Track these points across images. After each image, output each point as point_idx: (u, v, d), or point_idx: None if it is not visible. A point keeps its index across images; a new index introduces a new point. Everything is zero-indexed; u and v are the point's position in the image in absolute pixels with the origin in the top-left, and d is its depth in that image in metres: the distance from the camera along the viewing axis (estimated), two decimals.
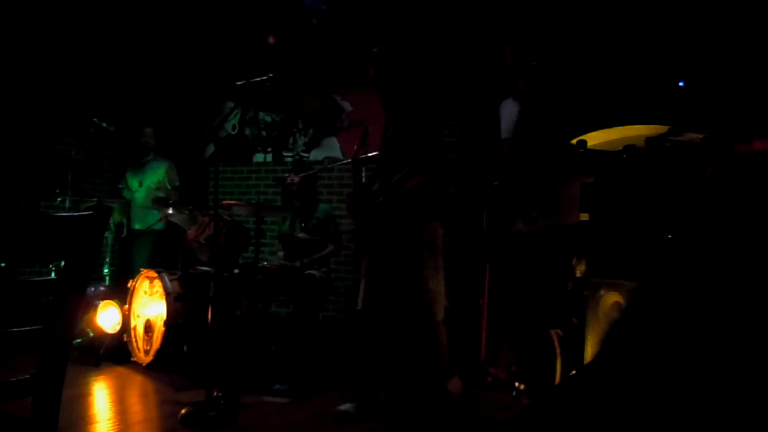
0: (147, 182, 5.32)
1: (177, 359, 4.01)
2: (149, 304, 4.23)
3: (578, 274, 3.60)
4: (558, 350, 2.84)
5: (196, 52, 6.10)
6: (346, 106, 5.71)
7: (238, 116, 5.25)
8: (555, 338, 2.84)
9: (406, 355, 3.16)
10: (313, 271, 4.31)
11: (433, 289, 3.06)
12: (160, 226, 5.05)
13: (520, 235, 2.84)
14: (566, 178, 2.77)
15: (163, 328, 4.00)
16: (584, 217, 3.57)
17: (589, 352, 3.32)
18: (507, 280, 2.91)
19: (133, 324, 4.29)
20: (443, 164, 3.33)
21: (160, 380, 3.83)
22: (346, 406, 3.12)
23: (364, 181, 3.33)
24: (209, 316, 3.10)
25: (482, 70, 4.67)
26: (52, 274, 4.54)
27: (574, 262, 2.97)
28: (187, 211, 4.38)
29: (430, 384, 3.12)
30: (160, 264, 4.65)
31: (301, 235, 4.28)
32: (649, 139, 3.26)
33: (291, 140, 5.96)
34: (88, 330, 4.34)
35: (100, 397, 3.64)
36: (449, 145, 5.07)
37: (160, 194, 5.14)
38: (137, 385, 3.84)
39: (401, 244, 3.05)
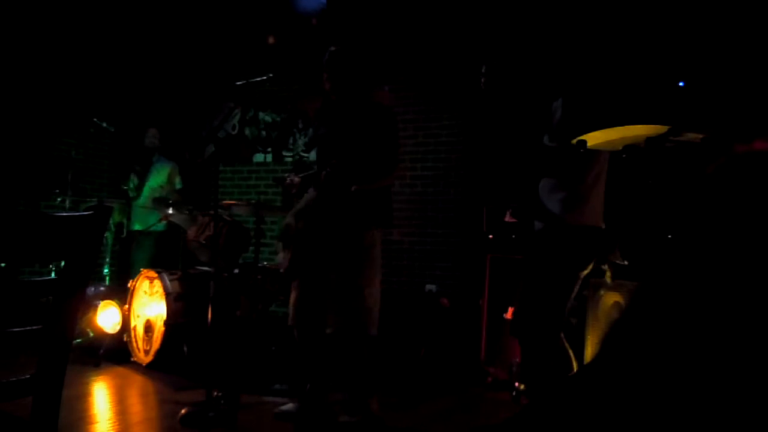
0: (151, 183, 5.31)
1: (177, 359, 4.01)
2: (149, 304, 4.23)
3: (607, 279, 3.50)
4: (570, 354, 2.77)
5: (196, 52, 6.10)
6: None
7: (238, 116, 5.25)
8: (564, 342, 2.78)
9: (339, 369, 3.03)
10: None
11: (369, 300, 2.91)
12: (161, 226, 5.04)
13: (535, 234, 2.90)
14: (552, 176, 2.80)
15: (163, 328, 4.00)
16: None
17: (589, 352, 3.32)
18: (529, 279, 2.89)
19: (133, 324, 4.29)
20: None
21: (160, 380, 3.83)
22: (287, 406, 3.11)
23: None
24: (209, 316, 3.10)
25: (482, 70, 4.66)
26: (52, 274, 4.54)
27: (590, 268, 2.85)
28: (187, 211, 4.37)
29: (353, 401, 2.95)
30: (160, 264, 4.65)
31: None
32: (649, 139, 3.26)
33: (291, 140, 5.95)
34: (88, 330, 4.34)
35: (100, 397, 3.64)
36: (449, 144, 5.07)
37: (162, 195, 5.14)
38: (137, 385, 3.84)
39: (340, 249, 2.92)
